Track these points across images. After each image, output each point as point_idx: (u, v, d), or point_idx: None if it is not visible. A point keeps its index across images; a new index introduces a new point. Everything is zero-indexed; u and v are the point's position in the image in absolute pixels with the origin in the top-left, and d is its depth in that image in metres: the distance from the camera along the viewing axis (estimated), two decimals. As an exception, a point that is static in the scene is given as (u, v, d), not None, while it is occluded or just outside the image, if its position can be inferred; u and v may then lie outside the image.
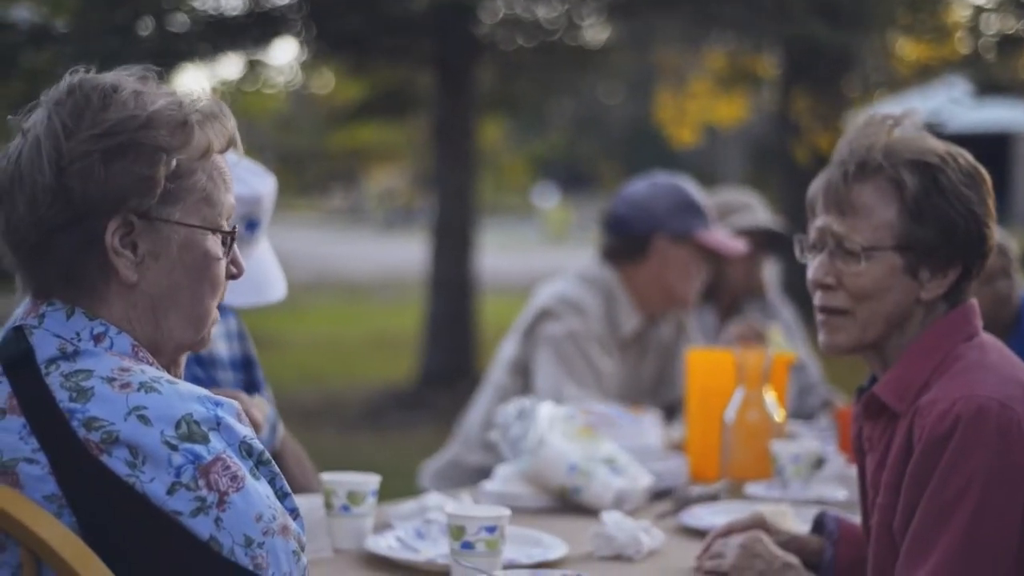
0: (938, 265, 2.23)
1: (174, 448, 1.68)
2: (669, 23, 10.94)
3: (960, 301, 2.26)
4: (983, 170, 2.26)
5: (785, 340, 2.71)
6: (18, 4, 10.97)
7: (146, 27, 9.70)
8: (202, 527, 1.68)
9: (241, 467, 1.72)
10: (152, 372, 1.76)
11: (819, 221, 2.29)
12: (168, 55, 9.63)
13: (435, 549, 2.57)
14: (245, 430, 1.76)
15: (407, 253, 21.07)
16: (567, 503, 2.99)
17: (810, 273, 2.29)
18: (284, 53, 27.15)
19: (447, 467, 4.06)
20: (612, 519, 2.62)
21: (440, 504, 2.78)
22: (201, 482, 1.68)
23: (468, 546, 2.35)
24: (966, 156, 2.25)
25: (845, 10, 9.65)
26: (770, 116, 18.48)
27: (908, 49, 11.94)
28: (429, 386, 10.47)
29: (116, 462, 1.67)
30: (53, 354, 1.76)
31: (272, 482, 1.77)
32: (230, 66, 10.84)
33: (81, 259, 1.78)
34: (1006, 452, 2.10)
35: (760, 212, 4.48)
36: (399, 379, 11.06)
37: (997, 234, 2.29)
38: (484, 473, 3.54)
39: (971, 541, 2.10)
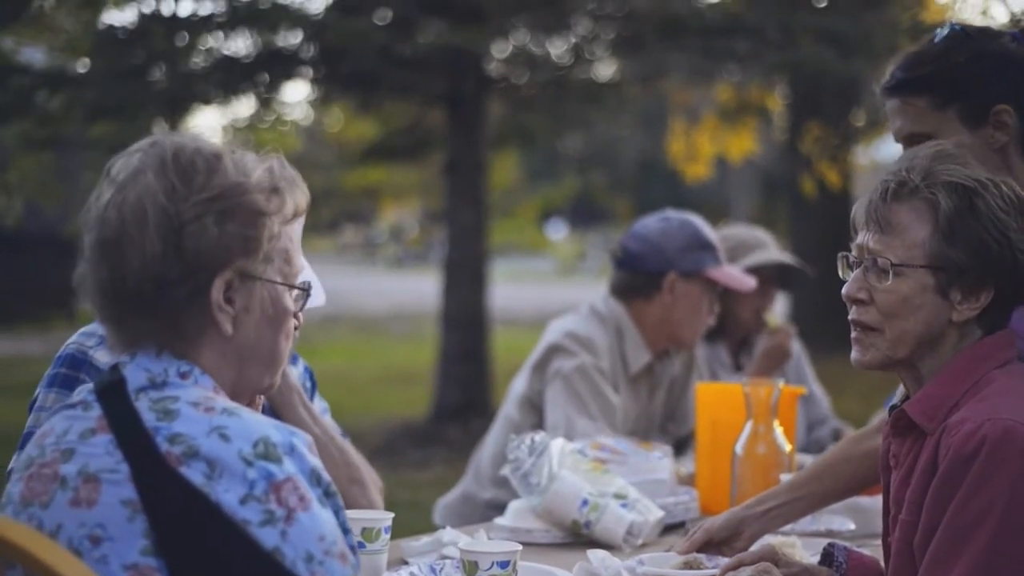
0: (970, 287, 2.23)
1: (250, 464, 1.80)
2: (678, 57, 10.96)
3: (997, 327, 2.27)
4: None
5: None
6: (32, 46, 11.08)
7: (160, 70, 9.78)
8: (268, 537, 1.78)
9: (309, 491, 1.83)
10: (233, 403, 1.90)
11: (859, 238, 2.31)
12: (182, 98, 9.73)
13: (449, 584, 2.60)
14: (316, 461, 1.87)
15: (420, 288, 21.09)
16: (579, 538, 3.01)
17: (845, 288, 2.31)
18: (295, 92, 27.34)
19: (459, 502, 4.08)
20: (597, 557, 2.64)
21: (454, 540, 2.82)
22: (272, 497, 1.80)
23: (481, 581, 2.39)
24: (1010, 183, 2.25)
25: (850, 40, 9.68)
26: (780, 149, 18.50)
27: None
28: (443, 421, 10.46)
29: (194, 473, 1.79)
30: (143, 384, 1.90)
31: (336, 514, 1.87)
32: (242, 107, 10.88)
33: (187, 311, 1.91)
34: None
35: (772, 249, 4.52)
36: (413, 414, 11.06)
37: None
38: (496, 508, 3.57)
39: (990, 564, 2.10)
